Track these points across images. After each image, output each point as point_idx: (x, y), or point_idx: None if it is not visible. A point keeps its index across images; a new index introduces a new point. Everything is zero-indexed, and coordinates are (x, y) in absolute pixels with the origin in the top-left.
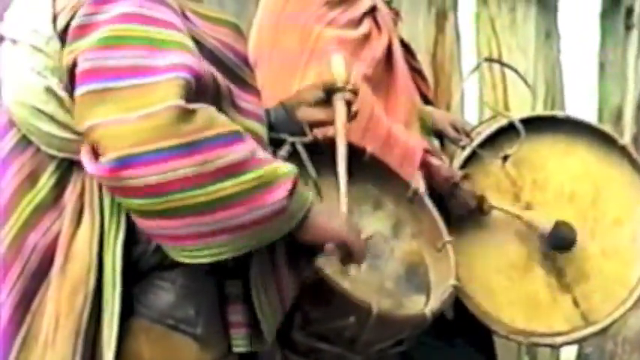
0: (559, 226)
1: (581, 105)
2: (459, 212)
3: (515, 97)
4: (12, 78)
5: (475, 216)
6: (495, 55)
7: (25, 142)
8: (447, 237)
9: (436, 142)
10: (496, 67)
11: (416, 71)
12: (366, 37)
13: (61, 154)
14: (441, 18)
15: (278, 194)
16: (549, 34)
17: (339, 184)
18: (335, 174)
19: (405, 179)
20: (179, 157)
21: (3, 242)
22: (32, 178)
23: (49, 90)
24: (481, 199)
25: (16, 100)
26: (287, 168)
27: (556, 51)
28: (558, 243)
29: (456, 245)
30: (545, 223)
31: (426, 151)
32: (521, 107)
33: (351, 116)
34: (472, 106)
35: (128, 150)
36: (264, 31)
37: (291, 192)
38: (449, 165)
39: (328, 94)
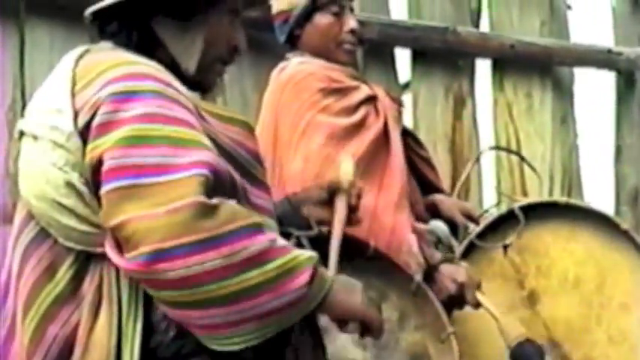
0: (524, 344)
1: (599, 188)
2: (440, 298)
3: (532, 182)
4: (32, 172)
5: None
6: (513, 141)
7: (43, 234)
8: (450, 329)
9: (446, 229)
10: None
11: (424, 160)
12: (361, 124)
13: (79, 247)
14: (458, 105)
15: (300, 281)
16: (565, 118)
17: None
18: (344, 268)
19: (408, 273)
20: (205, 251)
21: (25, 334)
22: (51, 271)
23: (69, 184)
24: (461, 287)
25: (36, 194)
26: (307, 255)
27: (572, 135)
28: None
29: (459, 324)
30: (512, 336)
31: (414, 231)
32: (538, 192)
33: (354, 222)
34: (491, 191)
35: (159, 244)
36: (265, 126)
37: (312, 278)
38: (427, 249)
39: (331, 194)
